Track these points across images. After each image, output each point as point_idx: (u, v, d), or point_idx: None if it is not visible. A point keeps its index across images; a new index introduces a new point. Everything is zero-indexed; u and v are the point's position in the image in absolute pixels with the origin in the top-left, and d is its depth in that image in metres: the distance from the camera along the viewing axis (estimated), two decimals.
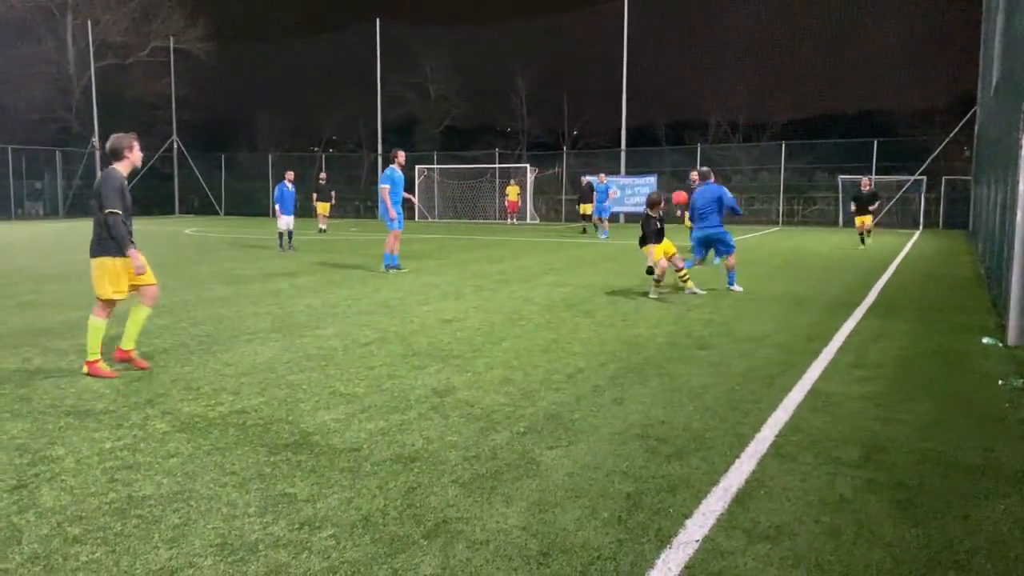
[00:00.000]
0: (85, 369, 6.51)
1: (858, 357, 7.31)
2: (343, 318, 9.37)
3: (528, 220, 37.97)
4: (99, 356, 6.52)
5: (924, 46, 37.06)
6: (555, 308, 10.20)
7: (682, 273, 11.73)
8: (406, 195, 14.23)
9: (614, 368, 6.81)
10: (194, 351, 7.45)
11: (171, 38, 48.95)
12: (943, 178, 33.22)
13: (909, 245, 22.72)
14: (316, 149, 53.70)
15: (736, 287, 12.01)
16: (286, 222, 19.69)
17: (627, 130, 38.66)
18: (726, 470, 4.36)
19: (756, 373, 6.66)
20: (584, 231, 27.96)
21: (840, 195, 34.53)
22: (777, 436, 4.96)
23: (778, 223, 34.85)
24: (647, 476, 4.26)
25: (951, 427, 5.20)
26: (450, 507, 3.84)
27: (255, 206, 43.76)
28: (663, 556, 3.36)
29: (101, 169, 46.11)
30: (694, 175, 17.17)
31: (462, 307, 10.24)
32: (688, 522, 3.69)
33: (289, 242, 19.83)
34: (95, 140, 44.15)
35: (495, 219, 38.71)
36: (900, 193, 33.71)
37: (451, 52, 52.36)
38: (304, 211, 25.45)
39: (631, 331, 8.58)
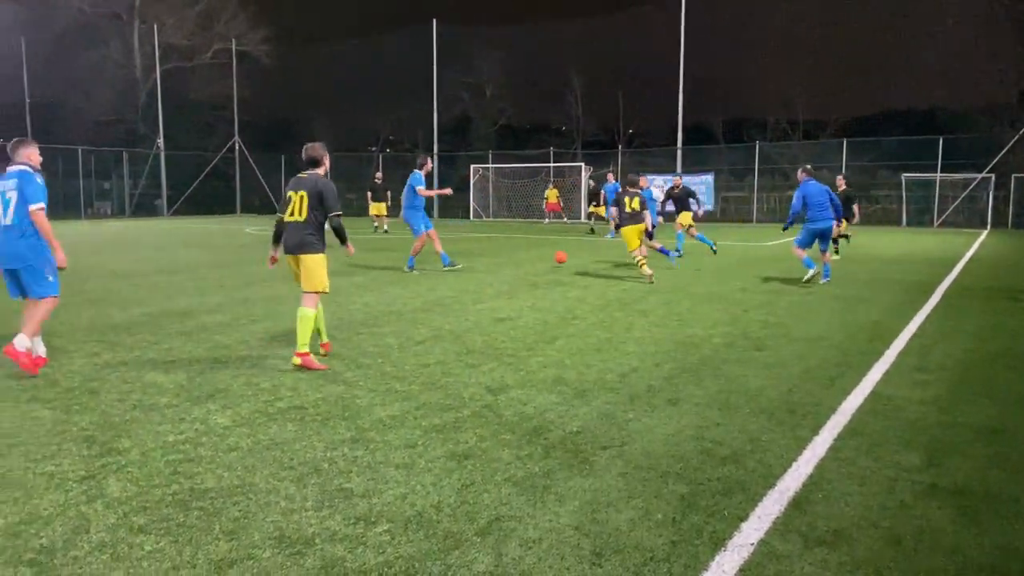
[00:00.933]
0: (297, 360, 6.68)
1: (921, 359, 7.13)
2: (399, 316, 9.47)
3: (582, 219, 37.85)
4: (308, 348, 6.77)
5: (992, 40, 35.91)
6: (609, 307, 10.15)
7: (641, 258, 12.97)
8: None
9: (669, 368, 6.75)
10: (253, 348, 7.61)
11: (233, 40, 50.02)
12: (1012, 176, 32.11)
13: (976, 245, 22.06)
14: (373, 149, 54.34)
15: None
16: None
17: (684, 128, 38.24)
18: (783, 473, 4.30)
19: (814, 375, 6.55)
20: (592, 231, 27.31)
21: (904, 194, 33.67)
22: (836, 439, 4.87)
23: (839, 222, 34.10)
24: (702, 478, 4.22)
25: (1017, 432, 5.04)
26: (503, 505, 3.86)
27: None
28: (717, 559, 3.33)
29: (165, 169, 47.21)
30: (677, 180, 17.72)
31: (516, 306, 10.26)
32: (743, 525, 3.65)
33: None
34: (160, 141, 45.35)
35: (550, 218, 38.69)
36: (966, 192, 32.73)
37: (507, 51, 52.46)
38: (360, 210, 25.77)
39: (686, 331, 8.50)
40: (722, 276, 13.73)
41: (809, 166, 13.29)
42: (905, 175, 33.41)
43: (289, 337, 8.10)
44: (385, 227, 26.44)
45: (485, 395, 5.88)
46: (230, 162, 48.97)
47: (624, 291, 11.72)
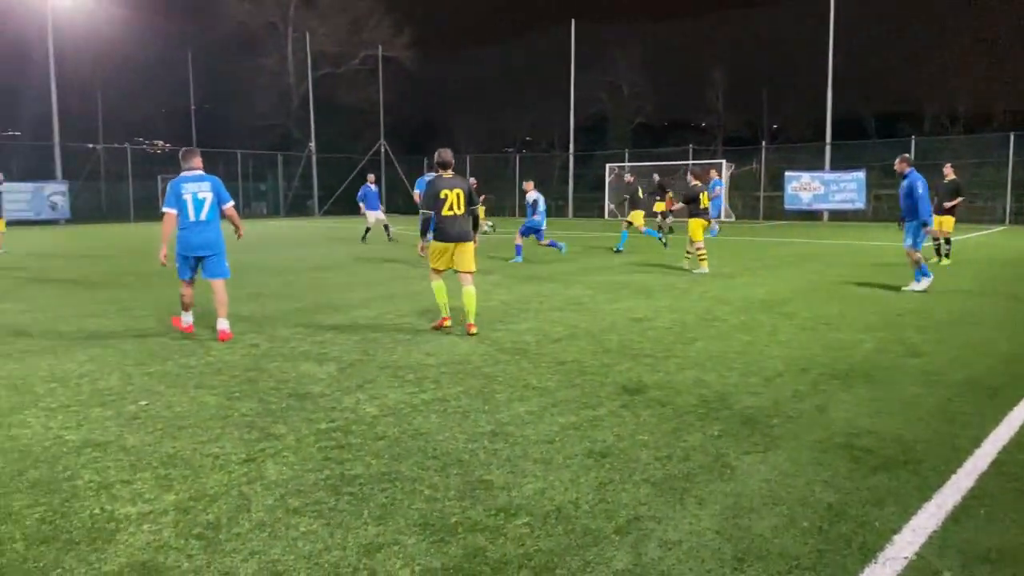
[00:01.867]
0: (474, 330, 8.16)
1: None
2: (535, 314, 9.56)
3: (723, 218, 36.96)
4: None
5: None
6: (751, 309, 9.88)
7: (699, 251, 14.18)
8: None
9: (816, 374, 6.51)
10: (399, 341, 7.89)
11: (379, 47, 51.86)
12: None
13: None
14: (510, 150, 55.03)
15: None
16: (374, 216, 22.27)
17: (832, 122, 36.58)
18: (940, 486, 4.07)
19: (976, 384, 6.14)
20: (659, 228, 24.80)
21: None
22: (1000, 452, 4.56)
23: (1004, 222, 31.77)
24: (851, 487, 4.06)
25: None
26: (642, 505, 3.84)
27: None
28: (867, 571, 3.19)
29: (316, 171, 49.57)
30: (630, 178, 19.14)
31: (652, 306, 10.15)
32: (896, 537, 3.48)
33: (387, 234, 22.31)
34: (311, 145, 47.63)
35: (686, 216, 38.04)
36: None
37: (645, 48, 51.91)
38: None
39: (835, 335, 8.16)
40: (873, 277, 13.09)
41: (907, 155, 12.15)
42: None
43: (433, 331, 8.36)
44: (491, 224, 27.18)
45: (622, 395, 5.86)
46: (376, 164, 50.81)
47: (768, 292, 11.37)
